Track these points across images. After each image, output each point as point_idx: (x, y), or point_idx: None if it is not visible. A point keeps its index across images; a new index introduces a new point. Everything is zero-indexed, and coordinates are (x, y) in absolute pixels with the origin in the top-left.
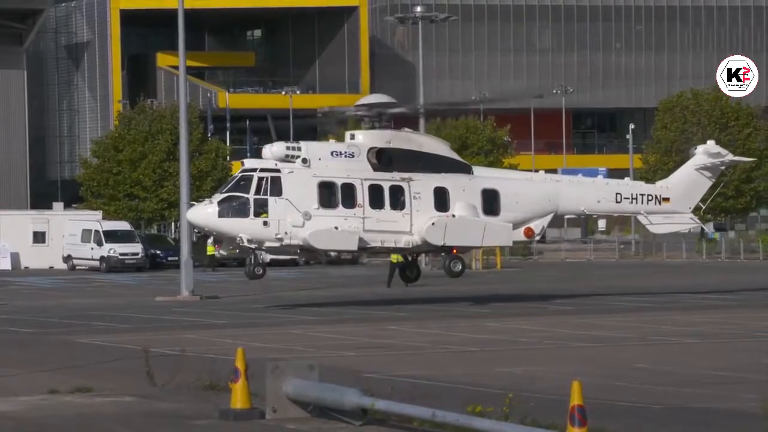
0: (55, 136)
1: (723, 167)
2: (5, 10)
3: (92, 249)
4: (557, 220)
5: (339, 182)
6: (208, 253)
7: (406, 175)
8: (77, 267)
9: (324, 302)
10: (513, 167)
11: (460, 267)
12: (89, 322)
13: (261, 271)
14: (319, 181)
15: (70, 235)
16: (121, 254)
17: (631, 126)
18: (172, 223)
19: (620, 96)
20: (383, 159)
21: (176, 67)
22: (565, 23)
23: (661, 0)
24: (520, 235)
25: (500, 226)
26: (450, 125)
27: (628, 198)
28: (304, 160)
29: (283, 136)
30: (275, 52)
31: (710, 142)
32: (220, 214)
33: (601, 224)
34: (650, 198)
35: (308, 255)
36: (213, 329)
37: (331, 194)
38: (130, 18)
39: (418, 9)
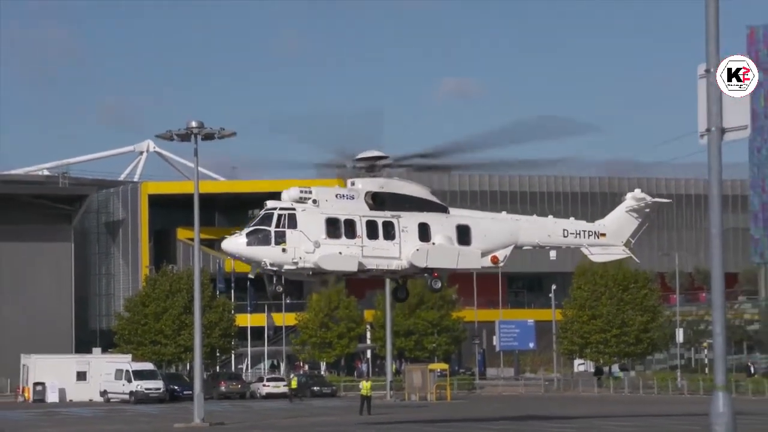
0: (95, 294)
1: (647, 209)
2: (58, 196)
3: (123, 385)
4: (494, 360)
5: (342, 218)
6: (292, 386)
7: (395, 213)
8: (111, 399)
9: (309, 427)
10: (459, 319)
11: (439, 285)
12: None
13: (281, 289)
14: (326, 217)
15: (106, 374)
16: (146, 389)
17: (553, 287)
18: (188, 364)
19: (545, 263)
20: (377, 200)
21: (192, 240)
22: (500, 205)
23: (586, 187)
24: (487, 261)
25: (471, 253)
26: (410, 285)
27: (573, 233)
28: (315, 201)
29: (276, 294)
30: None
31: (637, 190)
32: (248, 243)
33: (552, 254)
34: (590, 233)
35: (317, 278)
36: None
37: (336, 227)
38: (156, 200)
39: None
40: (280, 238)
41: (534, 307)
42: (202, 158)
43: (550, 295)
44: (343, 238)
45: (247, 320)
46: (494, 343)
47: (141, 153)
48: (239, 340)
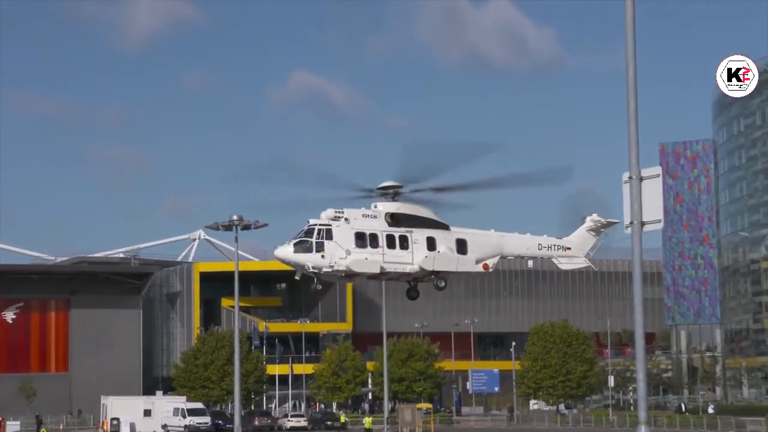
0: (158, 349)
1: (602, 228)
2: (130, 273)
3: (179, 420)
4: (468, 400)
5: (368, 232)
6: (341, 421)
7: (408, 229)
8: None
9: None
10: (440, 368)
11: (443, 284)
12: None
13: (320, 287)
14: (355, 232)
15: (166, 411)
16: (197, 423)
17: (513, 343)
18: (229, 404)
19: (506, 325)
20: (395, 219)
21: (233, 307)
22: (471, 280)
23: (538, 266)
24: (480, 268)
25: (467, 259)
26: (402, 342)
27: (546, 247)
28: (346, 219)
29: (299, 349)
30: (294, 297)
31: (594, 214)
32: (295, 251)
33: (530, 263)
34: (559, 247)
35: (347, 279)
36: None
37: (363, 239)
38: (205, 276)
39: None
40: (320, 247)
41: (498, 359)
42: (241, 243)
43: (511, 350)
44: (368, 247)
45: (275, 369)
46: (468, 387)
47: (194, 240)
48: (269, 384)
